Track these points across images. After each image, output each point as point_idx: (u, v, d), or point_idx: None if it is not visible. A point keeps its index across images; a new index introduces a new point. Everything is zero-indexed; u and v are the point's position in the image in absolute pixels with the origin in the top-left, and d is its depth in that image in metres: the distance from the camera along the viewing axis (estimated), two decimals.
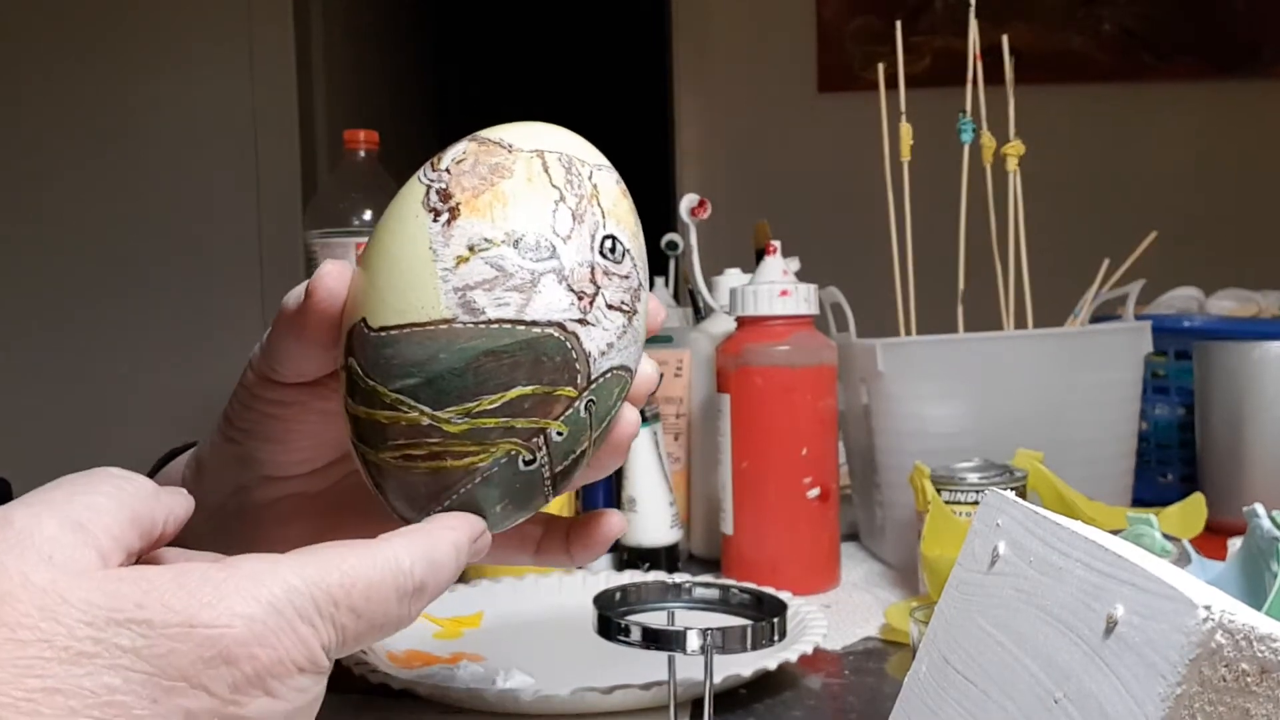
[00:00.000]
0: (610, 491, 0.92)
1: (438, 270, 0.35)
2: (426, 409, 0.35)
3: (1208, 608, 0.28)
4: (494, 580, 0.81)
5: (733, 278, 1.00)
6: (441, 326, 0.35)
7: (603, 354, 0.37)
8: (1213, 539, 0.78)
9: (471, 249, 0.35)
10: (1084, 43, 2.60)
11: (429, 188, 0.37)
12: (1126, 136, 2.60)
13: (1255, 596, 0.55)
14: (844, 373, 0.91)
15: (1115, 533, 0.50)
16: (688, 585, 0.57)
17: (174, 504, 0.34)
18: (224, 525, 0.43)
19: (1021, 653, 0.34)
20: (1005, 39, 0.94)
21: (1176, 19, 2.60)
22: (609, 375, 0.37)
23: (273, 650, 0.29)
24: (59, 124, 2.47)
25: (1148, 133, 2.60)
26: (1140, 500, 0.98)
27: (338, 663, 0.65)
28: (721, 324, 0.96)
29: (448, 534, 0.35)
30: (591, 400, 0.37)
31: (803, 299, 0.84)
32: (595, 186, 0.38)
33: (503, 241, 0.35)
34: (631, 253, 0.38)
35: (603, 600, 0.54)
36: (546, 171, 0.37)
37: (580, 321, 0.36)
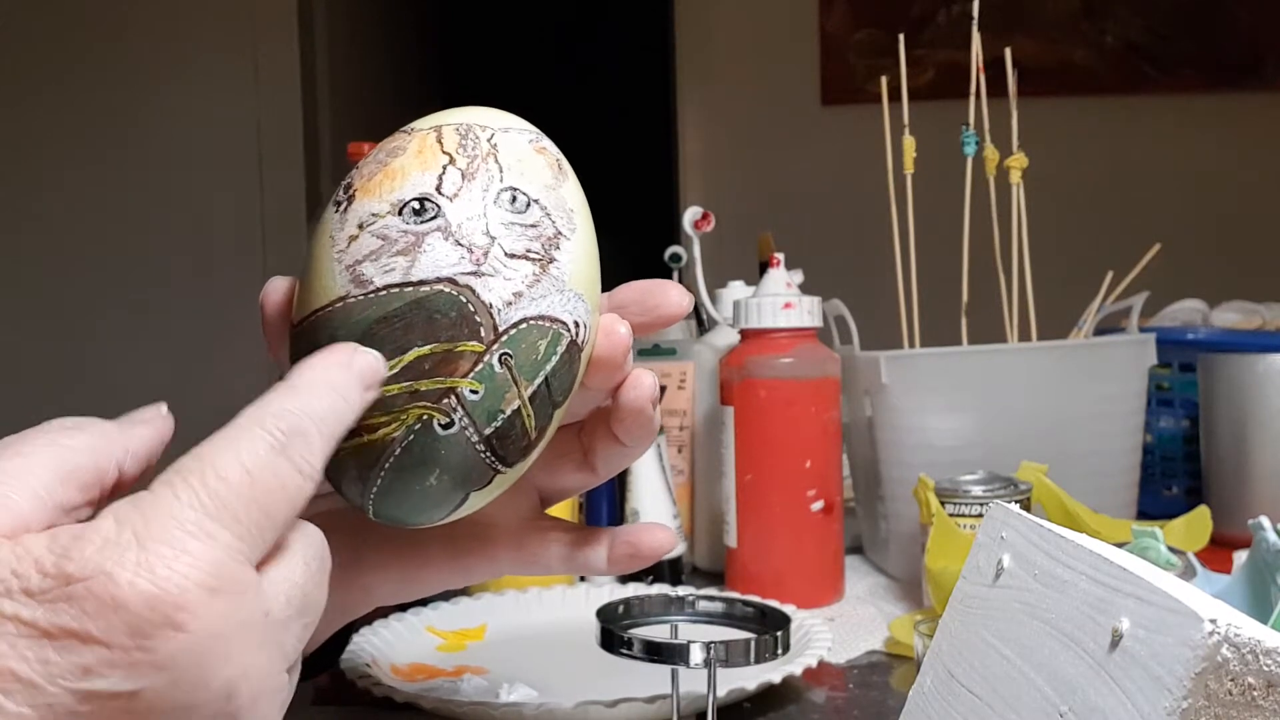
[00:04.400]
0: (613, 503, 0.92)
1: (333, 254, 0.36)
2: None
3: (1213, 621, 0.27)
4: (497, 593, 0.80)
5: (736, 290, 1.00)
6: (337, 305, 0.35)
7: (509, 304, 0.35)
8: (1218, 552, 0.78)
9: (361, 226, 0.36)
10: (1087, 55, 2.61)
11: (339, 186, 0.38)
12: (1130, 149, 2.60)
13: (1261, 610, 0.55)
14: (848, 385, 0.91)
15: (1120, 545, 0.50)
16: (691, 598, 0.56)
17: (133, 439, 0.33)
18: None
19: (1026, 666, 0.34)
20: (1008, 52, 0.94)
21: (1179, 32, 2.60)
22: (524, 326, 0.36)
23: (165, 581, 0.27)
24: (64, 135, 2.48)
25: (1151, 145, 2.61)
26: (1145, 513, 0.98)
27: (341, 675, 0.65)
28: (725, 336, 0.96)
29: (305, 371, 0.33)
30: (506, 353, 0.35)
31: (806, 311, 0.84)
32: (494, 146, 0.37)
33: (388, 213, 0.36)
34: (541, 203, 0.37)
35: (606, 613, 0.54)
36: (439, 142, 0.37)
37: (474, 274, 0.35)
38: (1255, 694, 0.28)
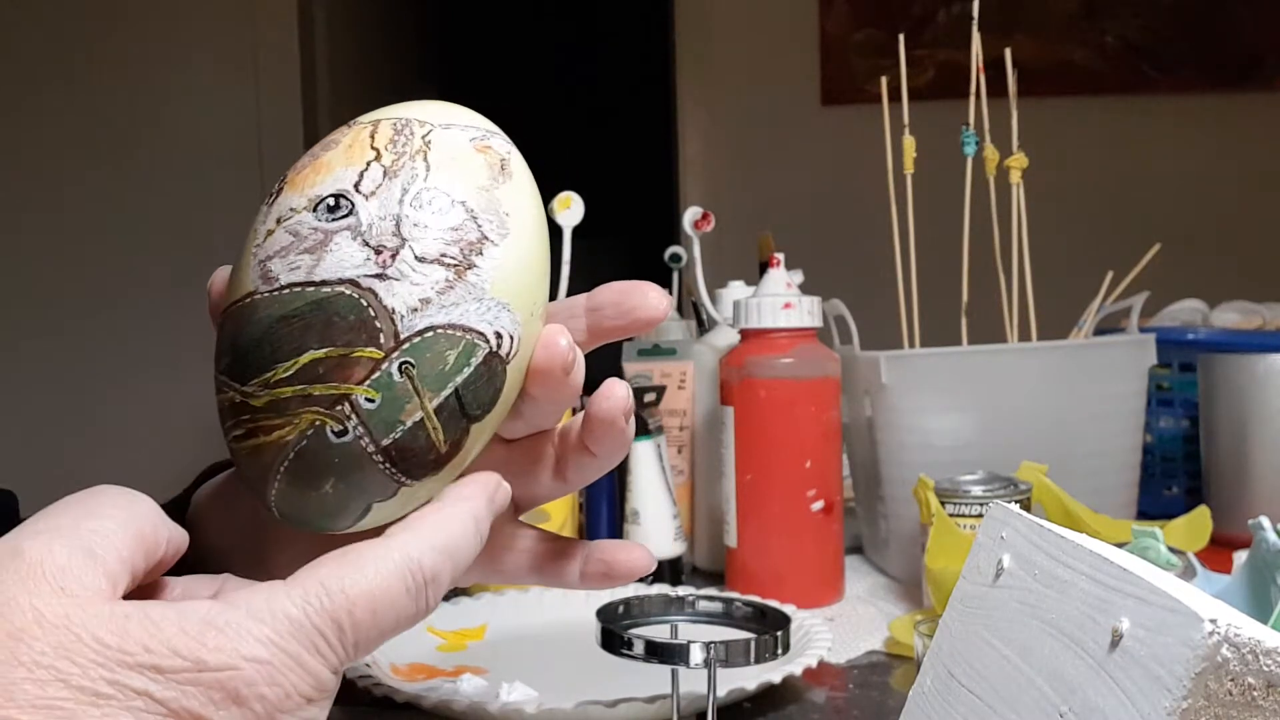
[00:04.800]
0: (613, 503, 0.92)
1: (252, 248, 0.35)
2: (236, 385, 0.34)
3: (1213, 621, 0.27)
4: (498, 593, 0.80)
5: (736, 290, 1.00)
6: (246, 300, 0.34)
7: (415, 310, 0.33)
8: (1218, 552, 0.78)
9: (279, 221, 0.35)
10: (1086, 55, 2.61)
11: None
12: (1130, 149, 2.60)
13: (1261, 610, 0.55)
14: (848, 385, 0.91)
15: (1120, 545, 0.50)
16: (691, 598, 0.56)
17: (173, 528, 0.34)
18: (257, 537, 0.43)
19: (1026, 666, 0.34)
20: (1008, 52, 0.94)
21: (1179, 32, 2.60)
22: (430, 334, 0.34)
23: (280, 688, 0.30)
24: (64, 134, 2.48)
25: (1151, 145, 2.61)
26: (1145, 513, 0.98)
27: (340, 676, 0.65)
28: (725, 337, 0.96)
29: (460, 506, 0.34)
30: (408, 362, 0.33)
31: (806, 311, 0.84)
32: (428, 143, 0.36)
33: (304, 208, 0.34)
34: (468, 205, 0.35)
35: (606, 613, 0.54)
36: (372, 137, 0.36)
37: (378, 277, 0.33)
38: (1255, 694, 0.28)
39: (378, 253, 0.34)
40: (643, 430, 0.88)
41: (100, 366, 2.47)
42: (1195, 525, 0.79)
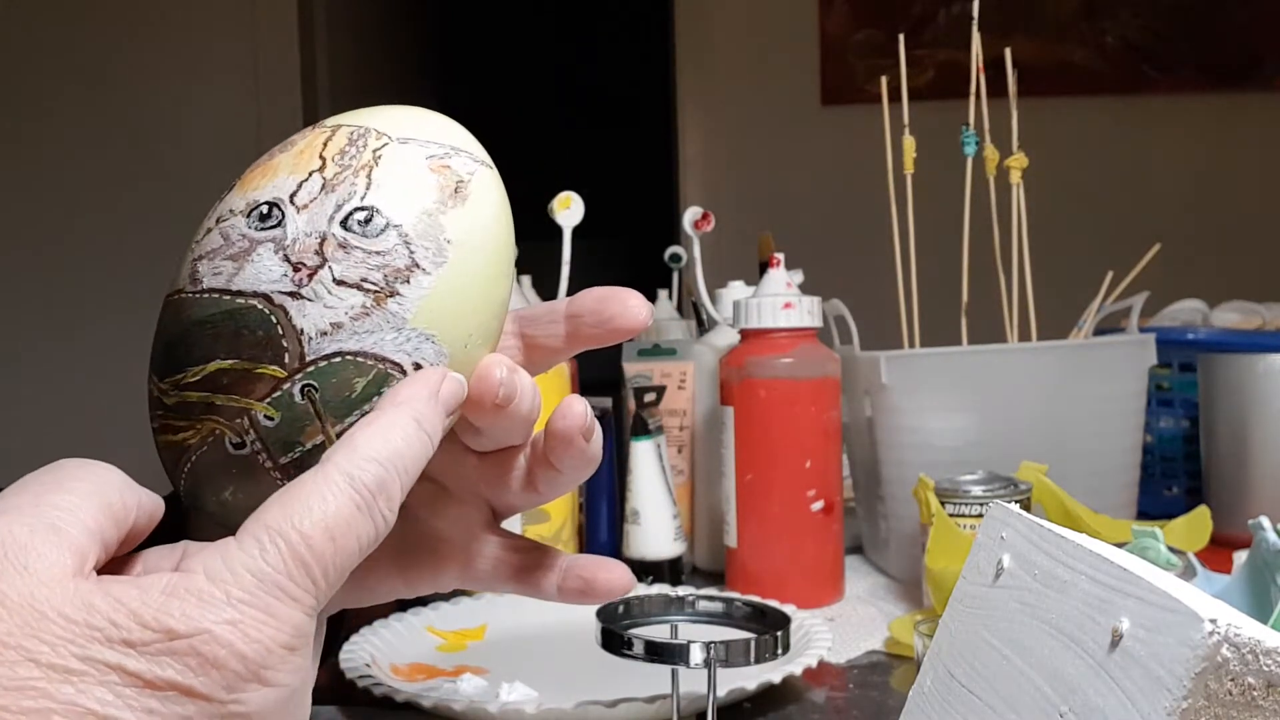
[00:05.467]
0: (613, 503, 0.92)
1: (192, 243, 0.35)
2: (155, 379, 0.35)
3: (1213, 621, 0.27)
4: (497, 593, 0.80)
5: (736, 290, 1.00)
6: (174, 297, 0.34)
7: (324, 334, 0.33)
8: (1218, 552, 0.78)
9: (218, 221, 0.34)
10: (1086, 55, 2.61)
11: None
12: (1129, 149, 2.60)
13: (1261, 610, 0.55)
14: (848, 385, 0.91)
15: (1120, 546, 0.49)
16: (691, 598, 0.56)
17: (143, 494, 0.34)
18: None
19: (1026, 666, 0.34)
20: (1008, 52, 0.94)
21: (1179, 32, 2.60)
22: (338, 360, 0.33)
23: (258, 643, 0.29)
24: (64, 134, 2.48)
25: (1151, 145, 2.61)
26: (1145, 513, 0.98)
27: (340, 676, 0.65)
28: (725, 337, 0.96)
29: (397, 411, 0.33)
30: (311, 385, 0.33)
31: (806, 311, 0.84)
32: (377, 158, 0.34)
33: (240, 212, 0.34)
34: (403, 229, 0.34)
35: (606, 613, 0.54)
36: (325, 144, 0.35)
37: (292, 295, 0.33)
38: (1255, 694, 0.28)
39: (296, 269, 0.33)
40: (643, 430, 0.88)
41: (101, 366, 2.47)
42: (1195, 525, 0.79)
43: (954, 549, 0.71)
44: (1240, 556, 0.74)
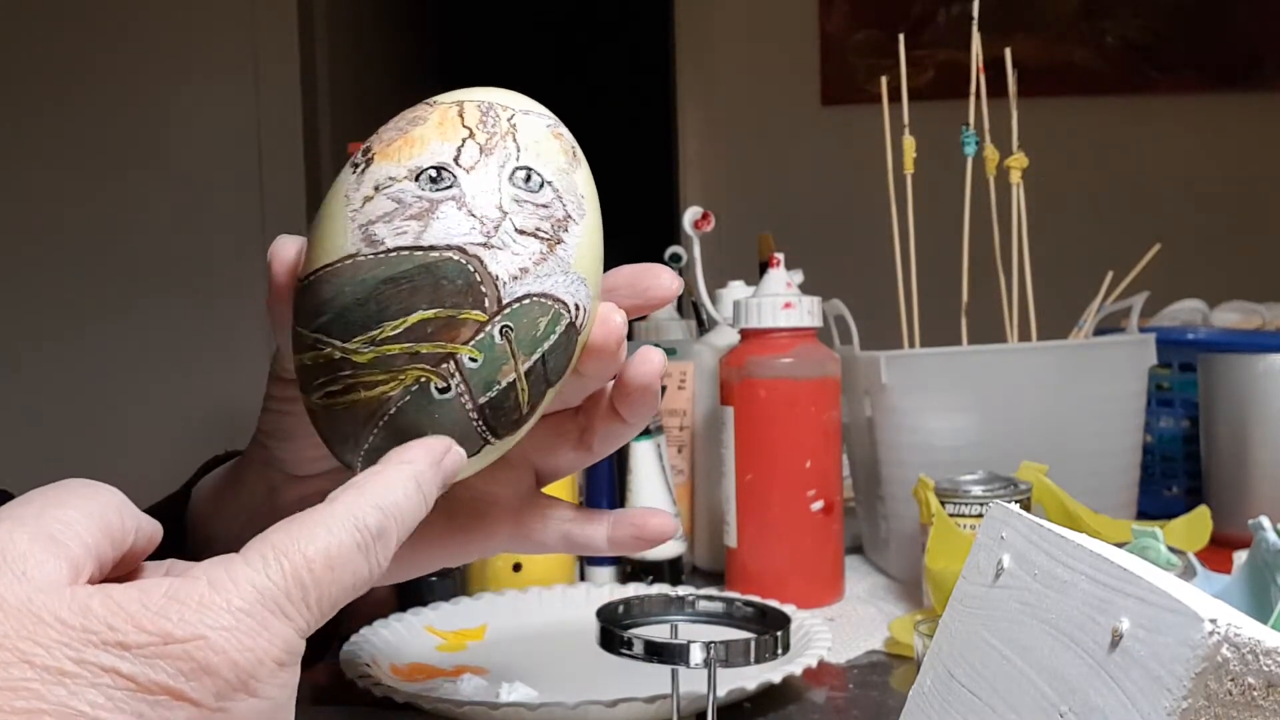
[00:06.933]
0: (613, 503, 0.92)
1: (348, 212, 0.36)
2: (337, 342, 0.36)
3: (1213, 621, 0.27)
4: (498, 593, 0.80)
5: (736, 290, 1.00)
6: (347, 261, 0.36)
7: (515, 278, 0.36)
8: (1218, 552, 0.78)
9: (377, 188, 0.36)
10: (1087, 55, 2.61)
11: (358, 150, 0.38)
12: (1130, 149, 2.60)
13: (1261, 610, 0.55)
14: (848, 385, 0.91)
15: (1120, 545, 0.50)
16: (691, 598, 0.56)
17: (143, 519, 0.35)
18: (259, 527, 0.43)
19: (1026, 666, 0.34)
20: (1008, 52, 0.94)
21: (1179, 32, 2.60)
22: (527, 302, 0.36)
23: (250, 653, 0.30)
24: (65, 136, 2.48)
25: (1151, 145, 2.61)
26: (1145, 513, 0.98)
27: (340, 676, 0.65)
28: (725, 336, 0.96)
29: (402, 469, 0.35)
30: (508, 326, 0.36)
31: (806, 311, 0.84)
32: (514, 126, 0.38)
33: (405, 177, 0.36)
34: (554, 185, 0.38)
35: (606, 613, 0.54)
36: (461, 116, 0.38)
37: (484, 245, 0.36)
38: (1255, 694, 0.28)
39: (482, 223, 0.36)
40: (643, 430, 0.88)
41: (102, 367, 2.47)
42: (1195, 525, 0.79)
43: (954, 549, 0.71)
44: (1240, 556, 0.74)
